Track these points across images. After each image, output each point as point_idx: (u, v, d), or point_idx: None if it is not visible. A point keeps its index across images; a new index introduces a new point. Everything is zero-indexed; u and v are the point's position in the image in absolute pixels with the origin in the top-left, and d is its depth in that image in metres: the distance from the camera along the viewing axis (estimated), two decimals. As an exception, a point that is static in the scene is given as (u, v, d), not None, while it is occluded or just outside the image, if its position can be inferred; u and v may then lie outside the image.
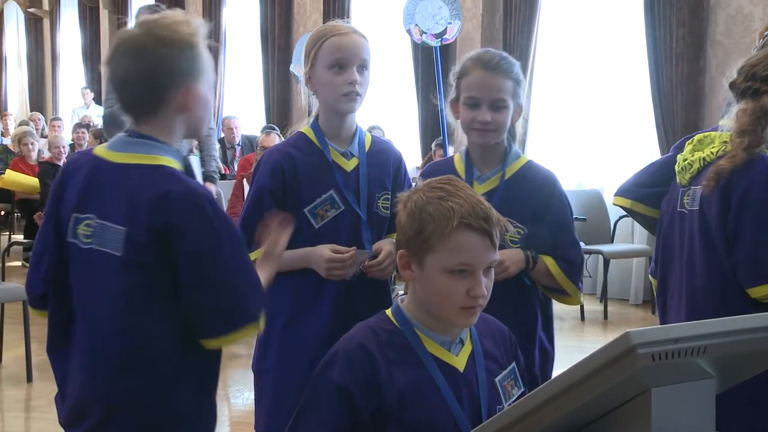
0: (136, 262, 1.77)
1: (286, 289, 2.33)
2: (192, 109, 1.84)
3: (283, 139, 3.65)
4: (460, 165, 2.39)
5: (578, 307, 6.39)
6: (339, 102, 2.31)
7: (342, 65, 2.29)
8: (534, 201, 2.30)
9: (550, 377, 1.88)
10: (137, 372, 1.78)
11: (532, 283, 2.32)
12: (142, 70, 1.79)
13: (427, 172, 2.47)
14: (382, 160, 2.42)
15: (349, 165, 2.36)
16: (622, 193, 2.56)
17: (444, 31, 7.41)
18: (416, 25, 7.36)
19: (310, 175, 2.31)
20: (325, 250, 2.26)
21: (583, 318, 6.32)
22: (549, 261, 2.31)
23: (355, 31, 2.34)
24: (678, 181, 2.34)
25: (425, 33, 7.38)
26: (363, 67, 2.31)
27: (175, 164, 1.83)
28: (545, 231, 2.27)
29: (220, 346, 1.84)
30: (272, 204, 2.30)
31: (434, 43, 7.26)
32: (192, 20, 1.85)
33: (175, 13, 1.84)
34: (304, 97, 2.45)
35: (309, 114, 2.46)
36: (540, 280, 2.35)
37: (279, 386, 2.32)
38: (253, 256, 2.29)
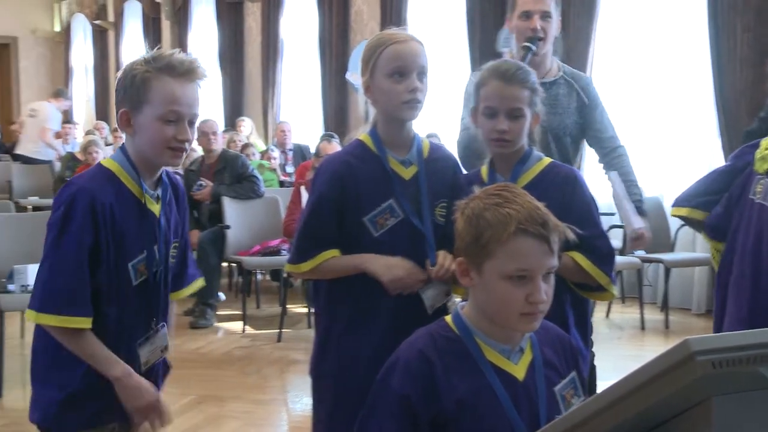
0: None
1: (344, 295, 2.35)
2: (134, 132, 2.10)
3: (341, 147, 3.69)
4: (485, 173, 2.44)
5: (638, 316, 6.31)
6: (400, 110, 2.31)
7: (402, 73, 2.29)
8: (556, 200, 2.24)
9: (585, 376, 1.88)
10: None
11: (561, 280, 2.32)
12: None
13: (459, 183, 2.48)
14: (440, 168, 2.42)
15: (408, 173, 2.37)
16: (679, 203, 2.56)
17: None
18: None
19: (369, 183, 2.32)
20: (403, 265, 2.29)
21: (643, 327, 6.23)
22: (576, 255, 2.31)
23: (412, 38, 2.35)
24: (755, 168, 2.31)
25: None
26: (422, 73, 2.31)
27: (113, 166, 2.12)
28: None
29: (29, 319, 2.06)
30: (332, 213, 2.32)
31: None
32: (164, 62, 2.07)
33: (159, 52, 2.10)
34: (363, 106, 2.45)
35: (368, 113, 2.47)
36: (570, 277, 2.35)
37: (337, 392, 2.34)
38: (310, 264, 2.33)
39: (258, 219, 6.58)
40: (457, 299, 1.85)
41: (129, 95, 2.08)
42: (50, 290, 2.02)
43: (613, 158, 3.36)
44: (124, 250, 2.09)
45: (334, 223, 2.32)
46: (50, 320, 2.02)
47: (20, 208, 9.55)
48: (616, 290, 2.42)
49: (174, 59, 2.08)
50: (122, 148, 2.16)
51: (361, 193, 2.32)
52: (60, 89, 12.71)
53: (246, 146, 8.63)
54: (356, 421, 1.75)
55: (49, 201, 9.57)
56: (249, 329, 6.20)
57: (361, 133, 2.43)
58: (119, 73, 2.14)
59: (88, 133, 10.78)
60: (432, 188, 2.37)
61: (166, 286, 2.23)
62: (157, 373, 2.26)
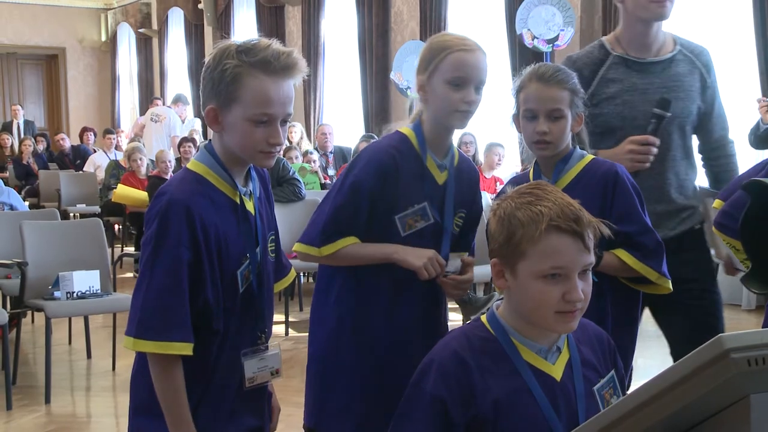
0: None
1: (358, 294, 2.33)
2: (223, 129, 1.90)
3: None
4: (531, 175, 2.43)
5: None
6: (452, 118, 2.29)
7: (461, 83, 2.25)
8: (598, 197, 2.29)
9: (623, 374, 1.84)
10: None
11: (603, 281, 2.29)
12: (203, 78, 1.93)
13: (479, 199, 2.52)
14: (465, 178, 2.42)
15: (441, 178, 2.35)
16: (718, 227, 2.49)
17: (556, 38, 7.37)
18: (529, 29, 7.34)
19: (408, 182, 2.30)
20: (429, 251, 2.27)
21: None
22: (621, 253, 2.30)
23: (479, 48, 2.30)
24: None
25: (537, 38, 7.35)
26: (480, 86, 2.29)
27: (201, 168, 1.93)
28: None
29: (127, 347, 1.86)
30: (368, 204, 2.28)
31: (545, 48, 7.23)
32: (258, 57, 1.85)
33: (253, 44, 1.88)
34: (411, 102, 2.44)
35: (410, 112, 2.44)
36: (618, 275, 2.34)
37: (354, 383, 2.31)
38: (331, 248, 2.30)
39: (299, 221, 6.59)
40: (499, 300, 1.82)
41: (217, 91, 1.86)
42: (148, 314, 1.82)
43: (720, 157, 2.94)
44: (229, 258, 1.90)
45: (367, 213, 2.29)
46: (149, 347, 1.82)
47: (67, 216, 9.72)
48: (669, 283, 2.36)
49: (269, 53, 1.85)
50: (208, 147, 1.96)
51: (399, 190, 2.29)
52: (178, 95, 12.71)
53: (288, 149, 8.67)
54: (390, 425, 1.73)
55: (96, 208, 9.74)
56: (292, 332, 6.22)
57: (403, 126, 2.39)
58: (207, 61, 1.89)
59: (132, 140, 10.91)
60: (458, 196, 2.37)
61: (270, 288, 2.05)
62: (264, 410, 2.10)
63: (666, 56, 2.76)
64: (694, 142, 2.91)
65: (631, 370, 2.98)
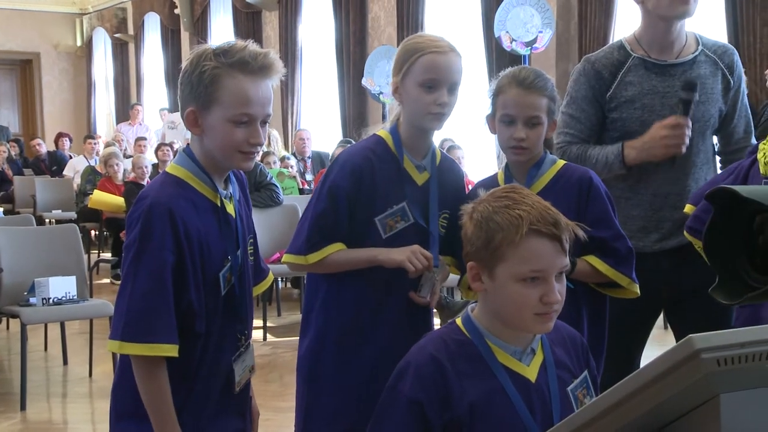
0: None
1: (347, 296, 2.33)
2: (203, 132, 1.91)
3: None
4: (501, 179, 2.42)
5: (661, 315, 6.22)
6: (425, 120, 2.30)
7: (433, 85, 2.26)
8: (572, 203, 2.30)
9: (596, 375, 1.86)
10: None
11: (577, 285, 2.30)
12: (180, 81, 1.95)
13: (473, 190, 2.49)
14: (448, 179, 2.42)
15: (421, 178, 2.35)
16: (689, 231, 2.48)
17: (534, 40, 7.38)
18: (507, 32, 7.35)
19: (385, 183, 2.31)
20: (413, 246, 2.27)
21: (666, 326, 6.15)
22: (593, 260, 2.31)
23: (452, 49, 2.30)
24: (762, 172, 2.29)
25: (515, 40, 7.37)
26: (453, 88, 2.29)
27: (181, 172, 1.94)
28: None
29: (112, 350, 1.87)
30: (347, 208, 2.29)
31: (524, 51, 7.23)
32: (236, 58, 1.86)
33: (230, 46, 1.89)
34: (394, 105, 2.43)
35: (384, 117, 2.46)
36: (590, 280, 2.35)
37: (335, 396, 2.32)
38: (318, 256, 2.30)
39: (278, 227, 6.59)
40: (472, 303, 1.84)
41: (196, 94, 1.88)
42: (133, 317, 1.83)
43: (739, 160, 2.68)
44: (212, 261, 1.92)
45: (348, 217, 2.30)
46: (135, 349, 1.83)
47: (42, 222, 9.64)
48: (638, 288, 2.38)
49: (247, 54, 1.87)
50: (187, 152, 1.97)
51: (376, 191, 2.30)
52: None
53: (266, 155, 8.65)
54: (367, 428, 1.73)
55: (72, 214, 9.67)
56: (270, 337, 6.21)
57: (380, 129, 2.40)
58: (185, 66, 1.91)
59: (107, 145, 10.84)
60: (441, 197, 2.36)
61: (250, 290, 2.07)
62: (246, 412, 2.11)
63: (687, 58, 2.66)
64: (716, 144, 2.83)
65: None
